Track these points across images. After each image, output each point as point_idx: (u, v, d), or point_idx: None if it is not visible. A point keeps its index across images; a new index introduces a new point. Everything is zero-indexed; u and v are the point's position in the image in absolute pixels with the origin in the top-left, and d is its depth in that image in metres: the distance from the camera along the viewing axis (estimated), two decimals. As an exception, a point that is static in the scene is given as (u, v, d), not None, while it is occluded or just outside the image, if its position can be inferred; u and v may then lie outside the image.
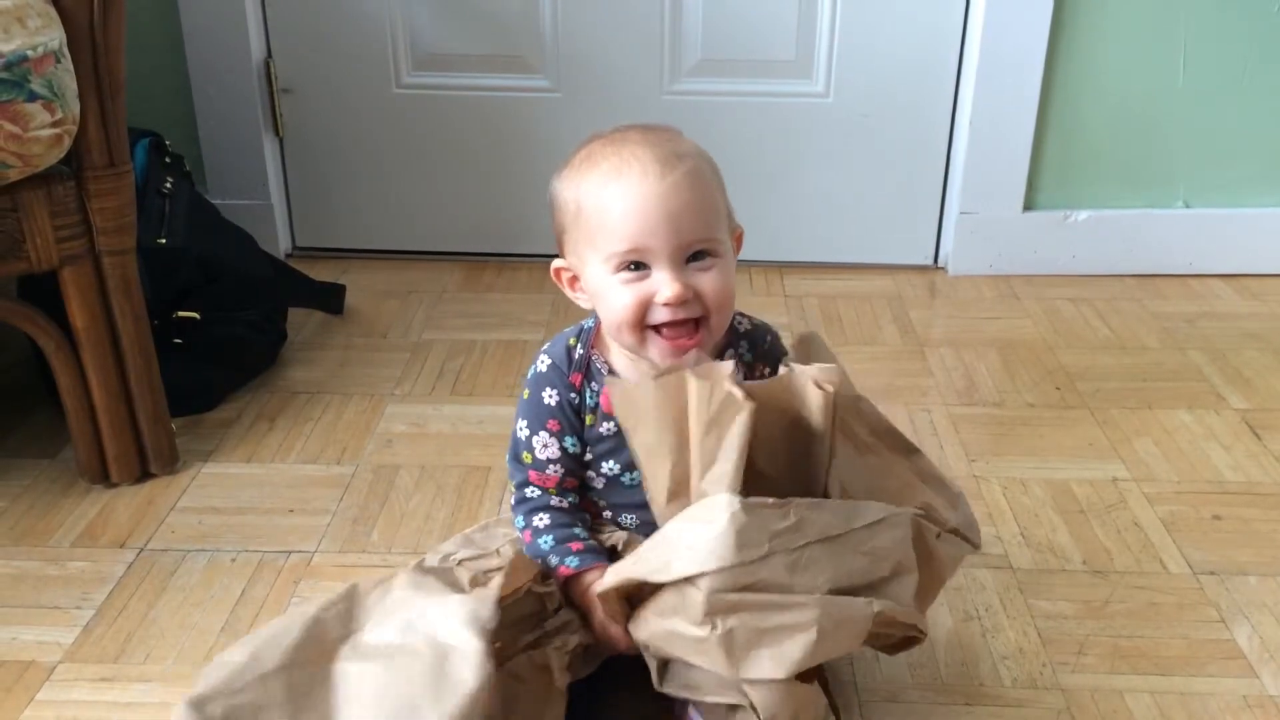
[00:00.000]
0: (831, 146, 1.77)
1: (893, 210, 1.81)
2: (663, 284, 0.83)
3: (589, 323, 0.94)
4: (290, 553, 1.14)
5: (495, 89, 1.77)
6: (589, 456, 0.94)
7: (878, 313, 1.69)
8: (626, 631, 0.84)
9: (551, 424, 0.93)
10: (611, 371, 0.92)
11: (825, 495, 0.81)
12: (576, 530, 0.93)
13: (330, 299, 1.66)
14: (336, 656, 0.78)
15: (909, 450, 0.86)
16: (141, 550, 1.15)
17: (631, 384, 0.82)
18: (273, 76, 1.76)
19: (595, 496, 0.96)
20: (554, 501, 0.94)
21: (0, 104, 1.02)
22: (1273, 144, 1.74)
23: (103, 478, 1.24)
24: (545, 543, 0.92)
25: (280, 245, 1.84)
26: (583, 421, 0.92)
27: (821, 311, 1.70)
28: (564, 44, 1.74)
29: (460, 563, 0.95)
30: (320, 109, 1.79)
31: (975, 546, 0.86)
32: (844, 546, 0.77)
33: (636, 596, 0.83)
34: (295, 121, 1.80)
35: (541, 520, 0.93)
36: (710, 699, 0.80)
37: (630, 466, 0.93)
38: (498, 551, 0.96)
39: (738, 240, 0.91)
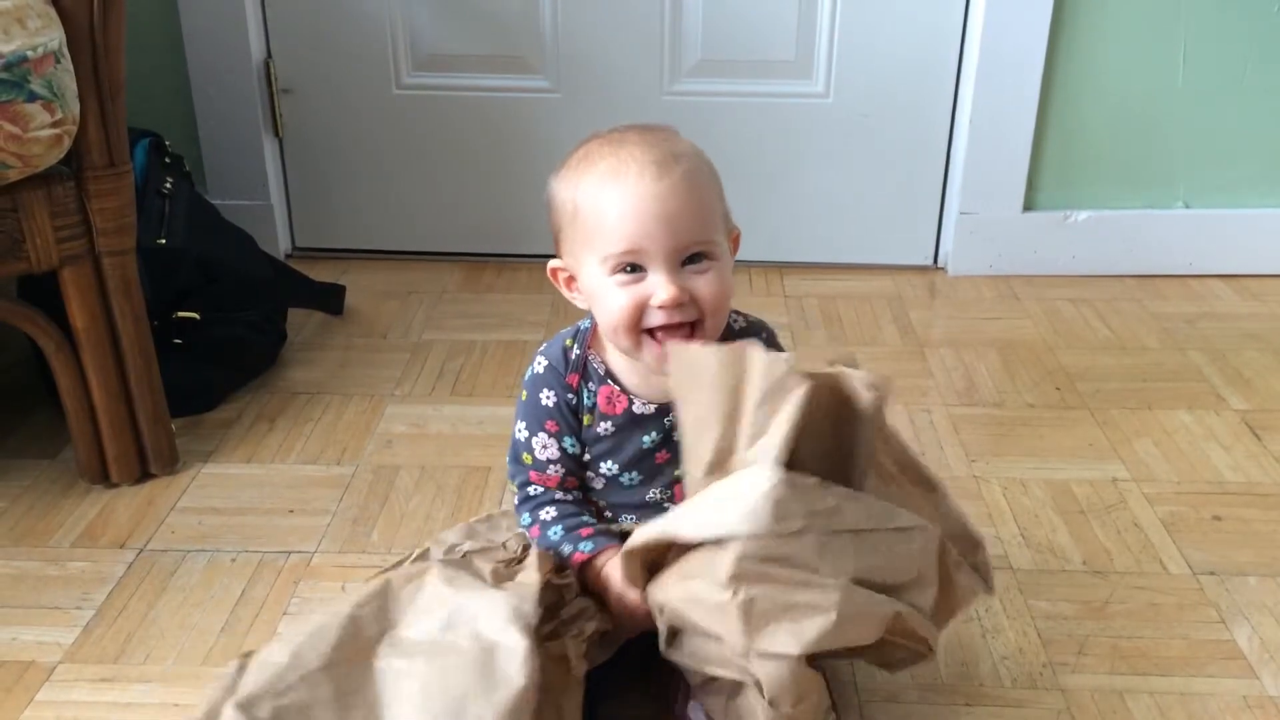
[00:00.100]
0: (831, 147, 1.78)
1: (893, 210, 1.81)
2: (658, 287, 0.83)
3: (585, 323, 0.94)
4: (290, 553, 1.14)
5: (495, 89, 1.77)
6: (587, 457, 0.94)
7: (878, 313, 1.69)
8: (644, 599, 0.83)
9: (550, 425, 0.93)
10: (608, 372, 0.92)
11: None
12: (585, 518, 0.93)
13: (330, 299, 1.66)
14: (376, 653, 0.78)
15: (930, 485, 0.84)
16: (141, 550, 1.15)
17: (694, 349, 0.80)
18: (273, 77, 1.76)
19: (595, 497, 0.96)
20: (558, 496, 0.94)
21: (0, 104, 1.02)
22: (1273, 144, 1.74)
23: (103, 478, 1.24)
24: (555, 533, 0.92)
25: (280, 246, 1.84)
26: (580, 422, 0.92)
27: (821, 312, 1.70)
28: (564, 44, 1.74)
29: (464, 555, 0.95)
30: (320, 109, 1.79)
31: (989, 591, 0.85)
32: (873, 543, 0.78)
33: (658, 564, 0.82)
34: (295, 122, 1.80)
35: (548, 513, 0.93)
36: (715, 671, 0.79)
37: (629, 466, 0.93)
38: (504, 545, 0.96)
39: (735, 241, 0.91)
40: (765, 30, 1.72)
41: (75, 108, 1.09)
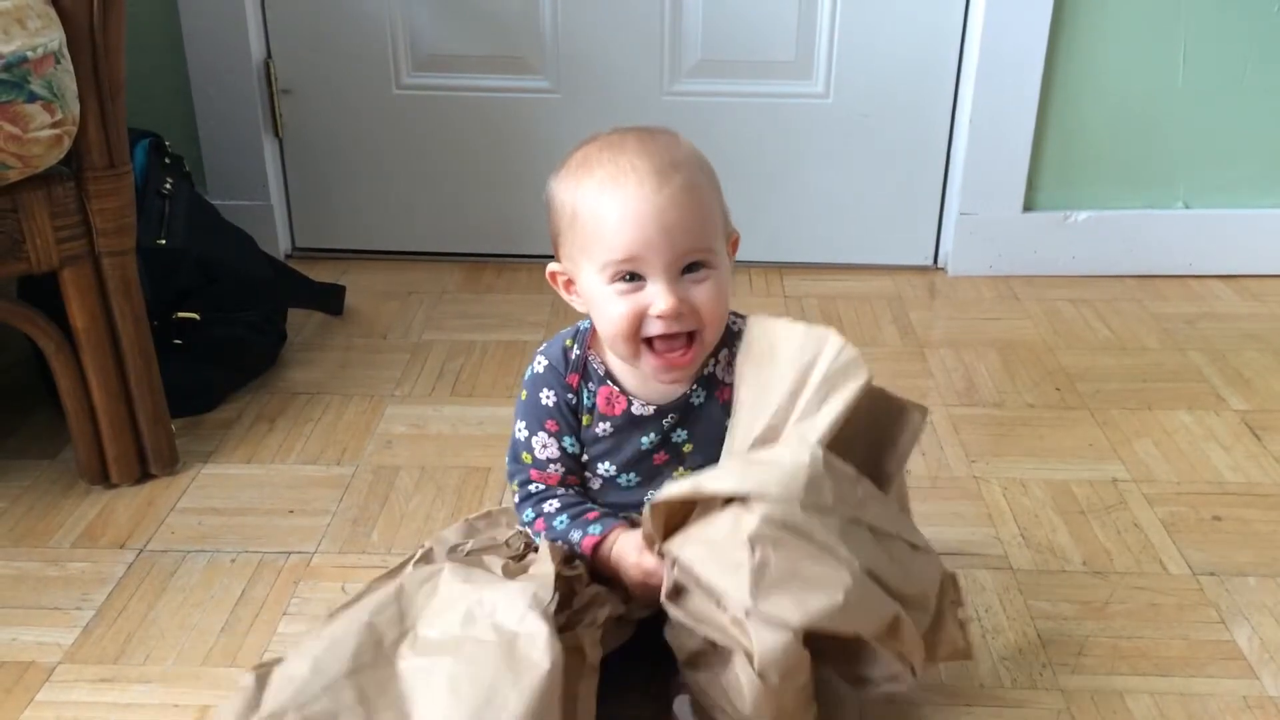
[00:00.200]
0: (831, 147, 1.78)
1: (892, 211, 1.81)
2: (657, 297, 0.83)
3: (585, 324, 0.94)
4: (290, 553, 1.14)
5: (495, 90, 1.77)
6: (585, 457, 0.94)
7: (877, 313, 1.69)
8: (659, 565, 0.83)
9: (550, 424, 0.93)
10: (608, 373, 0.92)
11: None
12: (589, 505, 0.93)
13: (330, 300, 1.66)
14: (398, 655, 0.78)
15: (914, 545, 0.85)
16: (141, 551, 1.15)
17: (781, 322, 0.84)
18: (272, 77, 1.76)
19: (592, 498, 0.96)
20: (560, 491, 0.94)
21: (0, 105, 1.02)
22: (1273, 144, 1.74)
23: (103, 478, 1.24)
24: (560, 522, 0.92)
25: (280, 246, 1.84)
26: (580, 422, 0.92)
27: (821, 312, 1.70)
28: (564, 45, 1.74)
29: (469, 554, 0.95)
30: (320, 110, 1.79)
31: (968, 654, 0.87)
32: (888, 548, 0.79)
33: (679, 526, 0.83)
34: (295, 122, 1.80)
35: (551, 505, 0.93)
36: (710, 634, 0.79)
37: (626, 467, 0.93)
38: (507, 543, 0.96)
39: (734, 245, 0.90)
40: (765, 30, 1.72)
41: (75, 108, 1.09)
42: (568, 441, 0.93)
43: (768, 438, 0.81)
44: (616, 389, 0.91)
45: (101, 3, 1.09)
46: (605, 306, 0.85)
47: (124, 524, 1.19)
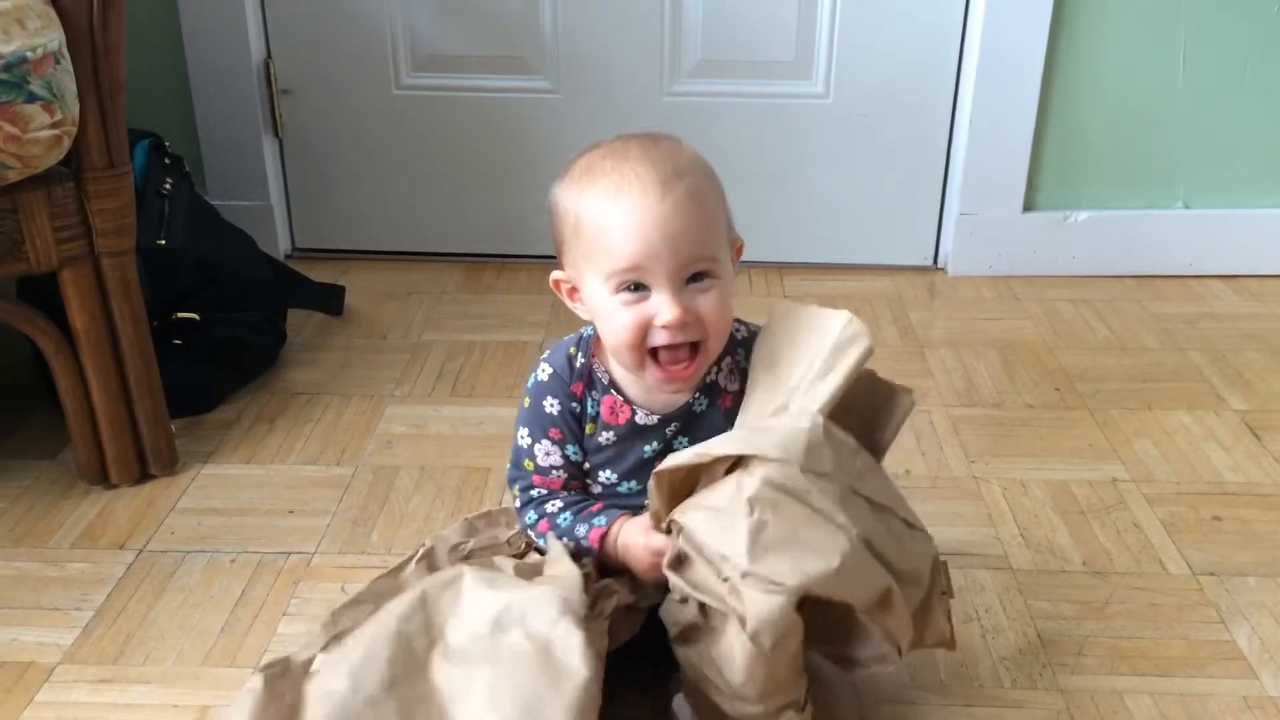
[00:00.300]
0: (831, 147, 1.77)
1: (892, 211, 1.81)
2: (662, 307, 0.83)
3: (588, 331, 0.93)
4: (290, 554, 1.14)
5: (495, 90, 1.77)
6: (587, 465, 0.94)
7: (877, 314, 1.69)
8: (666, 543, 0.83)
9: (554, 432, 0.92)
10: (612, 382, 0.91)
11: None
12: (591, 500, 0.93)
13: (330, 300, 1.66)
14: (430, 665, 0.78)
15: (909, 523, 0.86)
16: (141, 551, 1.15)
17: (799, 305, 0.86)
18: (272, 77, 1.76)
19: None
20: (562, 493, 0.94)
21: (0, 105, 1.02)
22: (1273, 144, 1.74)
23: (102, 479, 1.24)
24: (565, 520, 0.91)
25: (280, 246, 1.84)
26: (583, 430, 0.92)
27: (821, 312, 1.70)
28: (564, 45, 1.74)
29: (470, 553, 0.95)
30: (320, 110, 1.79)
31: (952, 645, 0.88)
32: (885, 521, 0.80)
33: (684, 497, 0.84)
34: (295, 122, 1.80)
35: (554, 505, 0.93)
36: (707, 600, 0.79)
37: (628, 475, 0.93)
38: (508, 543, 0.96)
39: (738, 252, 0.90)
40: (765, 30, 1.72)
41: (75, 108, 1.09)
42: (571, 449, 0.93)
43: (778, 414, 0.82)
44: (620, 398, 0.91)
45: (101, 3, 1.09)
46: (610, 317, 0.85)
47: (124, 524, 1.19)
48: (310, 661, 0.84)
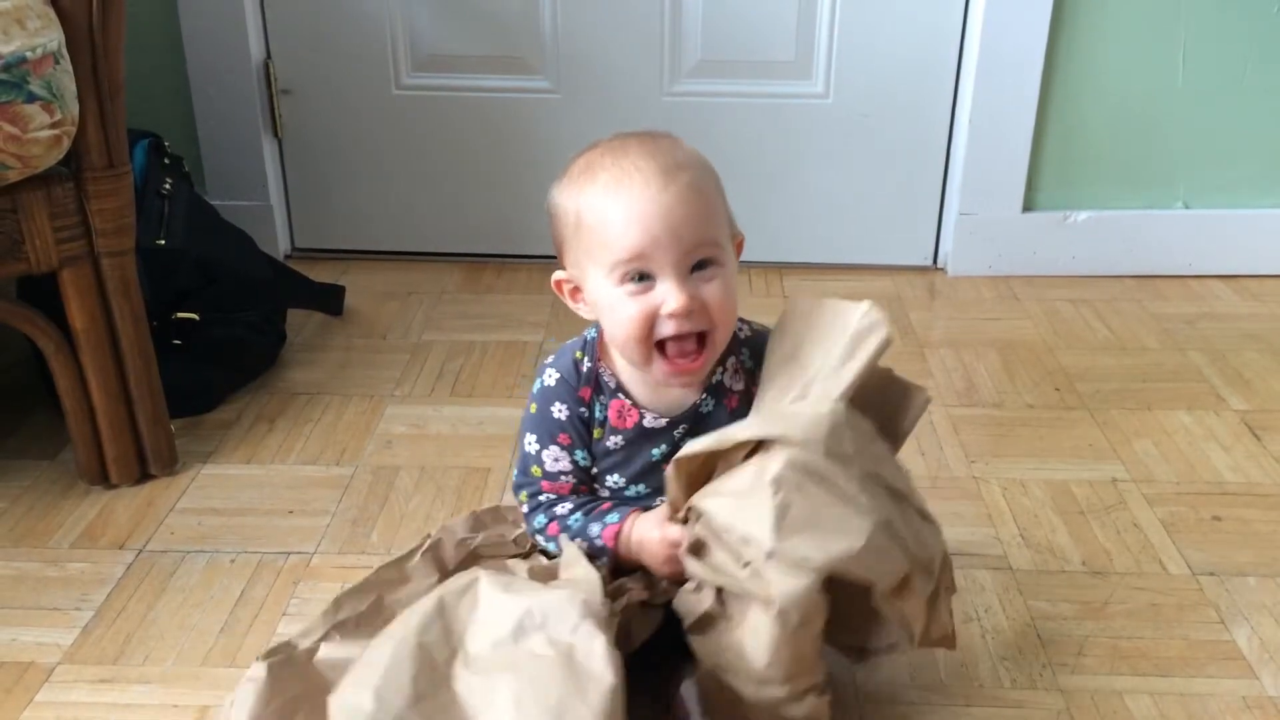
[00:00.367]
0: (831, 147, 1.77)
1: (892, 211, 1.81)
2: (669, 295, 0.83)
3: (592, 333, 0.93)
4: (289, 554, 1.14)
5: (495, 90, 1.77)
6: (595, 470, 0.93)
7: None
8: (683, 533, 0.83)
9: (562, 438, 0.92)
10: (619, 385, 0.91)
11: None
12: (600, 500, 0.93)
13: (330, 300, 1.66)
14: (452, 676, 0.77)
15: (923, 514, 0.87)
16: (141, 551, 1.15)
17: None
18: (272, 77, 1.76)
19: None
20: (572, 497, 0.93)
21: (0, 105, 1.03)
22: (1273, 144, 1.74)
23: (102, 479, 1.24)
24: (576, 520, 0.91)
25: (280, 246, 1.84)
26: (591, 435, 0.92)
27: (821, 312, 1.70)
28: (564, 45, 1.74)
29: (476, 549, 0.94)
30: (320, 110, 1.79)
31: (952, 644, 0.88)
32: (902, 509, 0.80)
33: (702, 483, 0.84)
34: (295, 122, 1.80)
35: (564, 507, 0.92)
36: (727, 584, 0.79)
37: (636, 479, 0.93)
38: (514, 541, 0.95)
39: (738, 247, 0.90)
40: (765, 31, 1.72)
41: (74, 109, 1.09)
42: (579, 455, 0.92)
43: (797, 402, 0.83)
44: (628, 401, 0.90)
45: (101, 3, 1.09)
46: (616, 310, 0.85)
47: (123, 524, 1.19)
48: (313, 650, 0.84)
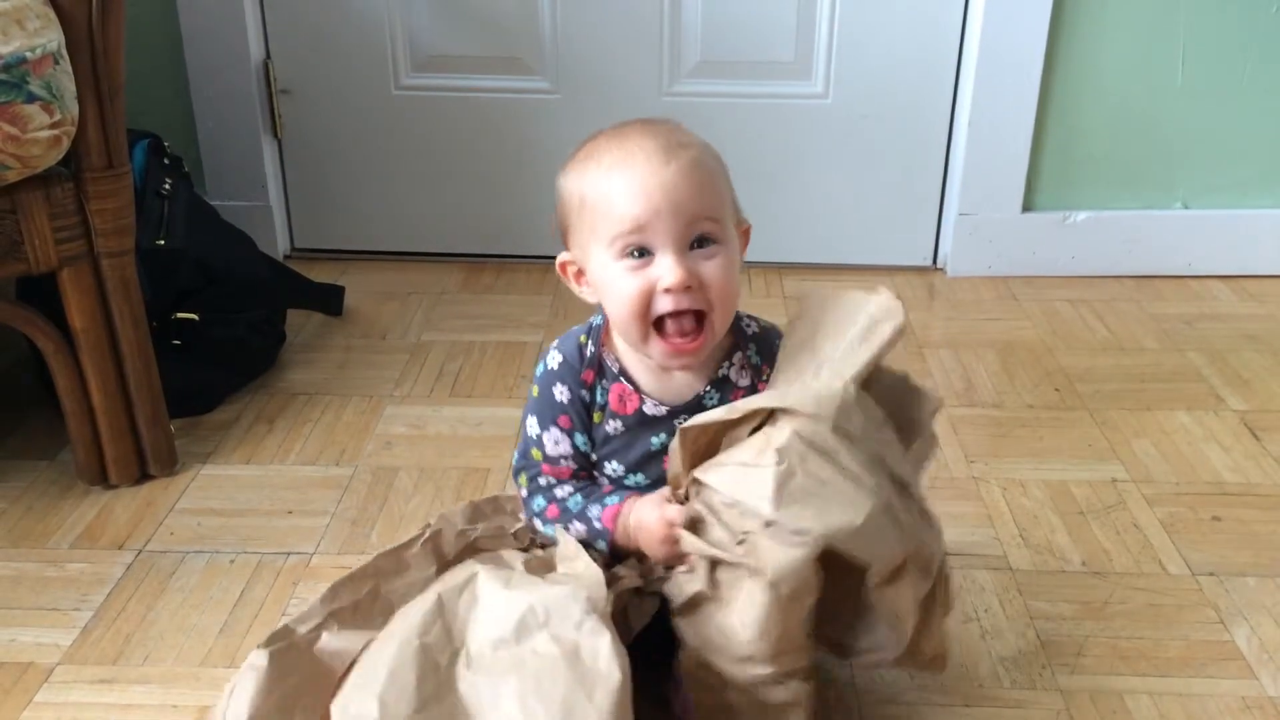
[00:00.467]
0: (830, 148, 1.78)
1: (892, 211, 1.81)
2: (665, 270, 0.83)
3: (598, 319, 0.93)
4: (289, 554, 1.14)
5: (494, 90, 1.77)
6: (594, 457, 0.93)
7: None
8: (681, 513, 0.83)
9: (563, 420, 0.92)
10: (622, 370, 0.91)
11: None
12: (600, 485, 0.93)
13: (329, 300, 1.66)
14: (456, 677, 0.76)
15: (925, 512, 0.87)
16: (140, 552, 1.15)
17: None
18: (271, 78, 1.76)
19: None
20: (571, 481, 0.93)
21: (-1, 105, 1.03)
22: (1272, 144, 1.75)
23: (101, 479, 1.24)
24: (575, 503, 0.91)
25: (279, 246, 1.84)
26: (592, 419, 0.92)
27: (821, 312, 1.70)
28: (563, 45, 1.74)
29: (475, 540, 0.94)
30: (319, 110, 1.79)
31: (943, 665, 0.87)
32: (904, 499, 0.80)
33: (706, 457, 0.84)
34: (294, 123, 1.80)
35: (563, 490, 0.92)
36: (721, 555, 0.79)
37: (635, 468, 0.93)
38: (514, 535, 0.95)
39: (745, 235, 0.91)
40: (764, 31, 1.72)
41: (74, 109, 1.09)
42: (579, 439, 0.92)
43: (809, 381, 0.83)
44: (630, 387, 0.91)
45: (100, 3, 1.09)
46: (614, 285, 0.85)
47: (123, 525, 1.19)
48: (313, 638, 0.83)
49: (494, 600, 0.80)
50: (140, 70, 1.51)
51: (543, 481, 0.93)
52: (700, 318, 0.85)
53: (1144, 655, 1.01)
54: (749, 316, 0.93)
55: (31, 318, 1.17)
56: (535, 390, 0.93)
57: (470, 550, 0.95)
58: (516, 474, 0.95)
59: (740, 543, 0.77)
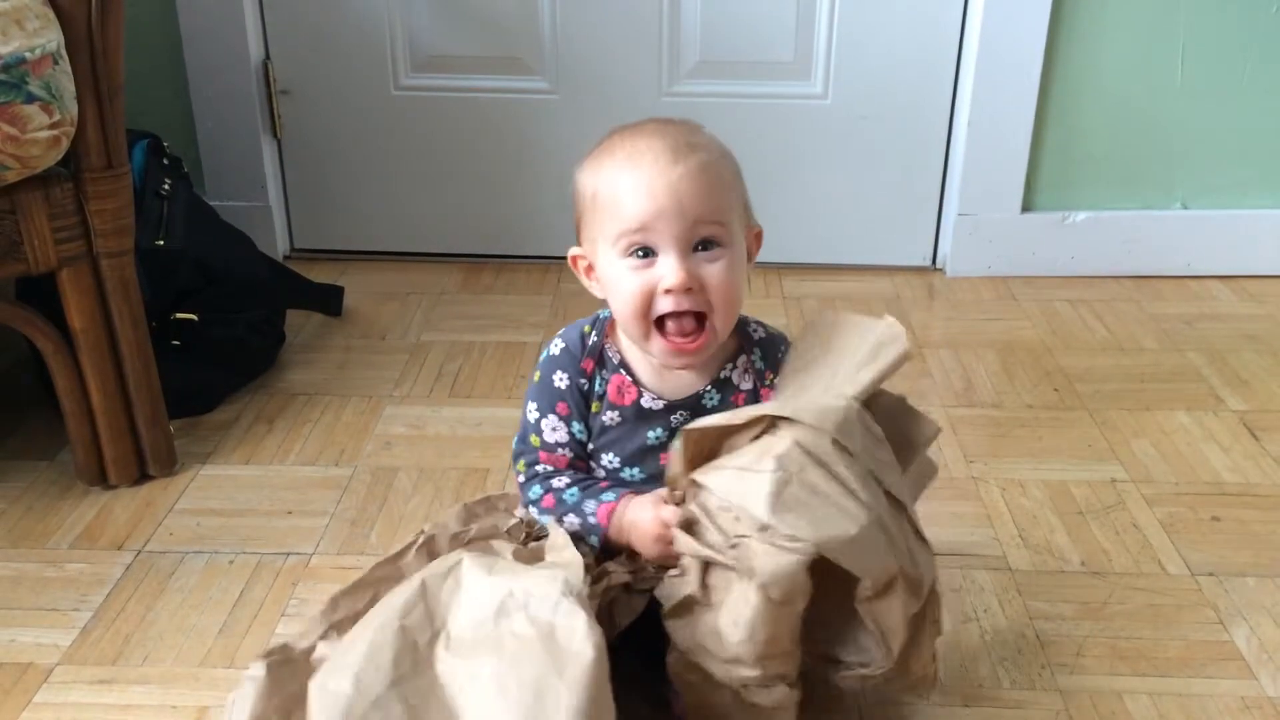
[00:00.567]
0: (830, 148, 1.78)
1: (891, 212, 1.81)
2: (667, 271, 0.84)
3: (605, 313, 0.94)
4: (288, 554, 1.14)
5: (494, 90, 1.77)
6: (591, 447, 0.94)
7: (876, 314, 1.68)
8: (676, 514, 0.84)
9: (561, 407, 0.92)
10: (623, 362, 0.92)
11: None
12: (598, 479, 0.93)
13: (329, 300, 1.66)
14: (434, 659, 0.77)
15: (919, 534, 0.87)
16: (139, 552, 1.15)
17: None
18: (271, 78, 1.76)
19: None
20: (569, 471, 0.94)
21: (-2, 106, 1.03)
22: (1272, 144, 1.75)
23: (101, 480, 1.24)
24: (571, 495, 0.91)
25: (279, 247, 1.84)
26: (590, 407, 0.92)
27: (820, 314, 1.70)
28: (562, 46, 1.74)
29: (469, 542, 0.94)
30: (319, 110, 1.79)
31: (932, 684, 0.88)
32: (897, 516, 0.81)
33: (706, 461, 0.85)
34: (294, 123, 1.80)
35: (560, 481, 0.92)
36: (714, 556, 0.79)
37: (631, 461, 0.93)
38: (508, 532, 0.95)
39: (757, 239, 0.92)
40: (764, 31, 1.72)
41: (73, 109, 1.09)
42: (576, 427, 0.93)
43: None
44: (629, 379, 0.91)
45: (100, 3, 1.09)
46: (618, 283, 0.86)
47: (122, 525, 1.19)
48: (311, 649, 0.84)
49: (476, 585, 0.80)
50: (140, 70, 1.51)
51: (540, 469, 0.94)
52: (701, 319, 0.86)
53: (1143, 655, 1.01)
54: (756, 321, 0.94)
55: (31, 318, 1.17)
56: (536, 376, 0.94)
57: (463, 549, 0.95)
58: (515, 458, 0.96)
59: (733, 546, 0.78)
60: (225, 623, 1.05)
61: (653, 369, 0.91)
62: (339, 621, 0.86)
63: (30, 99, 1.04)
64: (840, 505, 0.77)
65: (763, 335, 0.94)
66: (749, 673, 0.79)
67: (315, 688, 0.76)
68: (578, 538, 0.89)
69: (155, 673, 0.99)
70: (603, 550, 0.90)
